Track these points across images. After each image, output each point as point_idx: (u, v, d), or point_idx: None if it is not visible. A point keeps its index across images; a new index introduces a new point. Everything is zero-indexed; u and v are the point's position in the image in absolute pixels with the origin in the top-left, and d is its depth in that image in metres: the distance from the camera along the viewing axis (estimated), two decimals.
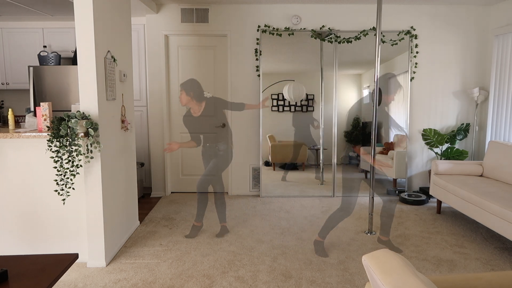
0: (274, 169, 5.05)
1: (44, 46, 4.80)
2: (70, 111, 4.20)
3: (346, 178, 3.52)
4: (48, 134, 2.70)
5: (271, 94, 4.81)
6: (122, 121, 3.33)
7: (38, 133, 2.73)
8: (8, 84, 4.88)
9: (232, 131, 4.88)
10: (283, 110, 4.84)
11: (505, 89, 4.39)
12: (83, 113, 2.72)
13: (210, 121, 4.94)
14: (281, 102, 4.83)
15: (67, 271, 2.63)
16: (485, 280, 1.62)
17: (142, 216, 4.09)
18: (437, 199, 4.14)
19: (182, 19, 4.70)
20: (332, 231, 3.62)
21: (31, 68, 4.34)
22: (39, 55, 4.46)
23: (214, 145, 3.51)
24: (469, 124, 4.81)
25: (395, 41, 4.73)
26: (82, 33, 2.72)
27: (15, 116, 5.16)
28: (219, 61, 4.87)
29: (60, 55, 4.52)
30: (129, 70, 3.52)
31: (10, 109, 3.19)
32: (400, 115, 4.86)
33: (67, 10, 4.35)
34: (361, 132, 4.86)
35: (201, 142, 3.49)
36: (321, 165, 4.98)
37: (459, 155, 4.66)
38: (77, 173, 2.70)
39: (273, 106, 4.83)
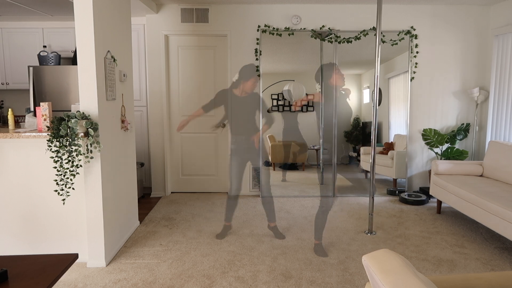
0: (274, 169, 5.05)
1: (44, 46, 4.80)
2: (70, 111, 4.20)
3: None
4: (48, 134, 2.70)
5: (271, 94, 4.81)
6: (122, 121, 3.33)
7: (38, 133, 2.73)
8: (8, 84, 4.88)
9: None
10: (283, 110, 4.84)
11: (505, 89, 4.39)
12: (83, 113, 2.72)
13: (211, 121, 4.95)
14: (281, 102, 4.83)
15: (67, 271, 2.63)
16: (485, 280, 1.62)
17: (142, 216, 4.09)
18: (437, 199, 4.14)
19: (182, 19, 4.70)
20: (332, 231, 3.62)
21: (31, 68, 4.34)
22: (39, 55, 4.46)
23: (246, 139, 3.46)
24: (469, 124, 4.82)
25: (395, 41, 4.73)
26: (82, 33, 2.72)
27: (15, 116, 5.16)
28: (219, 61, 4.87)
29: (60, 55, 4.52)
30: (129, 70, 3.52)
31: (10, 109, 3.19)
32: (400, 115, 4.86)
33: (67, 10, 4.35)
34: (361, 132, 4.87)
35: (209, 110, 3.48)
36: (321, 165, 4.98)
37: (459, 155, 4.66)
38: (77, 173, 2.70)
39: (273, 106, 4.83)
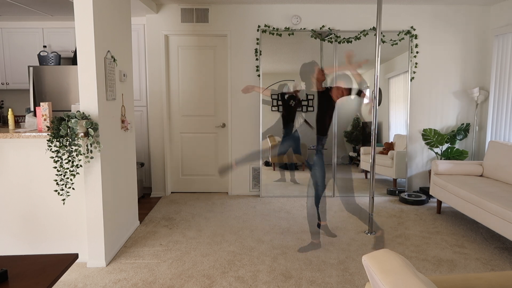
0: (274, 169, 5.04)
1: (44, 46, 4.80)
2: (70, 111, 4.20)
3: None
4: (48, 134, 2.70)
5: (271, 95, 4.81)
6: (122, 121, 3.33)
7: (38, 133, 2.73)
8: (8, 84, 4.88)
9: (232, 131, 4.88)
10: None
11: (505, 89, 4.39)
12: (83, 113, 2.72)
13: (211, 121, 4.95)
14: (281, 102, 4.82)
15: (67, 271, 2.63)
16: (485, 280, 1.62)
17: (142, 216, 4.09)
18: (437, 199, 4.14)
19: (182, 19, 4.70)
20: (332, 231, 3.62)
21: (31, 68, 4.34)
22: (39, 55, 4.46)
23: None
24: (469, 124, 4.81)
25: (395, 41, 4.73)
26: (82, 33, 2.72)
27: (15, 116, 5.16)
28: (219, 61, 4.87)
29: (60, 55, 4.52)
30: (129, 70, 3.52)
31: (10, 109, 3.19)
32: (400, 115, 4.86)
33: (67, 10, 4.35)
34: (361, 132, 4.86)
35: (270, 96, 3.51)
36: None
37: (459, 155, 4.66)
38: (77, 173, 2.70)
39: (273, 106, 4.83)
